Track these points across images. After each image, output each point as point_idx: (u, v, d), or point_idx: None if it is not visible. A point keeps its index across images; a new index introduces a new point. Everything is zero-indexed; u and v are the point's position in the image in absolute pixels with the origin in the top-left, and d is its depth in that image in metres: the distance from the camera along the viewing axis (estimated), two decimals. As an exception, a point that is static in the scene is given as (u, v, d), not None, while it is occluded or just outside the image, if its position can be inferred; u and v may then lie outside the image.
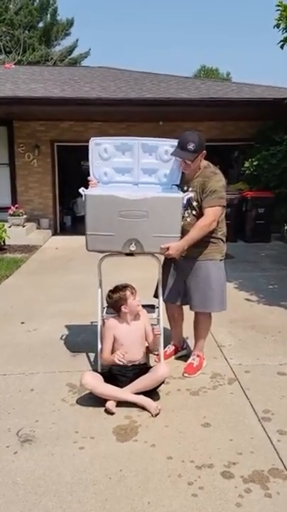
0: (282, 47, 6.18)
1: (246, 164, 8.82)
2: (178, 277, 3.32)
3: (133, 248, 3.08)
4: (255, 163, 8.62)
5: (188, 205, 3.14)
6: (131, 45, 54.19)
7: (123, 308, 3.02)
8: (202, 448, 2.44)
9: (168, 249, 3.03)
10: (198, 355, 3.37)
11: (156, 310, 3.43)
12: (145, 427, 2.63)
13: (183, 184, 3.26)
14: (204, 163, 3.18)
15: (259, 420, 2.70)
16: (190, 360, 3.37)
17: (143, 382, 2.87)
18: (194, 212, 3.15)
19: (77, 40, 26.61)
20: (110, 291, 3.09)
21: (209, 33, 57.20)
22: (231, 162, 10.69)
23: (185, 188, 3.19)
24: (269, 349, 3.74)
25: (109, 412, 2.75)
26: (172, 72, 12.34)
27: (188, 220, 3.15)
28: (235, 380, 3.19)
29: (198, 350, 3.39)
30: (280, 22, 6.06)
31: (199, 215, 3.12)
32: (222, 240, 3.24)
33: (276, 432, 2.57)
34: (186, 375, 3.25)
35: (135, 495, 2.11)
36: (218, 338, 3.94)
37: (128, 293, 3.01)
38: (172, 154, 3.18)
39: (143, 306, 3.24)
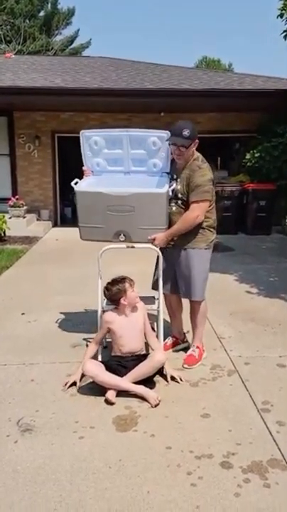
0: (285, 37, 6.13)
1: (248, 156, 8.77)
2: (168, 266, 3.37)
3: (122, 239, 3.27)
4: (256, 155, 8.58)
5: (174, 195, 3.22)
6: (133, 35, 53.81)
7: (122, 301, 3.02)
8: (201, 438, 2.45)
9: (154, 239, 3.21)
10: (198, 347, 3.38)
11: (156, 301, 3.45)
12: (144, 418, 2.64)
13: (173, 172, 3.32)
14: (195, 154, 3.22)
15: (258, 411, 2.71)
16: (189, 352, 3.38)
17: (141, 369, 2.88)
18: (179, 202, 3.23)
19: (78, 30, 26.49)
20: (108, 283, 3.09)
21: (211, 23, 56.73)
22: (233, 154, 10.64)
23: (175, 177, 3.26)
24: (269, 341, 3.74)
25: (109, 402, 2.76)
26: (174, 62, 12.23)
27: (173, 209, 3.25)
28: (235, 372, 3.20)
29: (197, 341, 3.41)
30: (283, 12, 6.01)
31: (184, 205, 3.21)
32: (209, 230, 3.28)
33: (275, 423, 2.58)
34: (185, 366, 3.26)
35: (134, 484, 2.12)
36: (218, 329, 3.94)
37: (127, 285, 3.01)
38: (167, 140, 3.21)
39: (143, 298, 3.25)
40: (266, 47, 55.52)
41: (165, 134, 3.25)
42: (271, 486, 2.11)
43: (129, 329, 3.02)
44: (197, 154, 3.23)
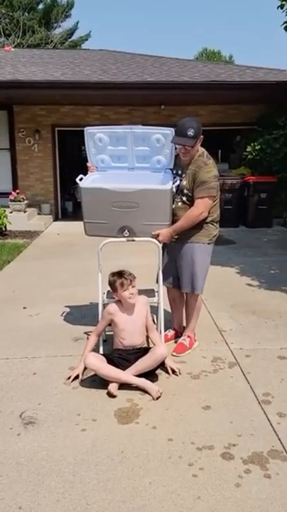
0: (286, 28, 6.09)
1: (249, 149, 8.74)
2: (171, 260, 3.41)
3: (126, 234, 3.29)
4: (257, 148, 8.54)
5: (180, 190, 3.24)
6: (132, 27, 53.42)
7: (114, 295, 3.05)
8: (202, 430, 2.47)
9: (158, 235, 3.23)
10: (189, 336, 3.45)
11: (156, 294, 3.47)
12: (146, 410, 2.66)
13: (178, 168, 3.33)
14: (200, 150, 3.23)
15: (259, 403, 2.73)
16: (180, 340, 3.45)
17: (144, 363, 2.90)
18: (184, 198, 3.25)
19: (77, 23, 26.27)
20: (112, 272, 3.11)
21: (210, 16, 56.19)
22: (234, 146, 10.60)
23: (180, 172, 3.28)
24: (270, 333, 3.76)
25: (111, 394, 2.78)
26: (174, 54, 12.18)
27: (179, 204, 3.27)
28: (236, 364, 3.22)
29: (189, 332, 3.47)
30: (284, 3, 5.96)
31: (190, 201, 3.22)
32: (213, 225, 3.31)
33: (276, 415, 2.60)
34: (174, 353, 3.32)
35: (136, 475, 2.14)
36: (219, 322, 3.96)
37: (117, 284, 3.00)
38: (172, 141, 3.22)
39: (144, 291, 3.26)
40: (267, 39, 55.02)
41: (169, 131, 3.27)
42: (271, 477, 2.13)
43: (131, 322, 3.03)
44: (202, 150, 3.24)
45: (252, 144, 8.68)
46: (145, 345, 3.15)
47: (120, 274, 3.05)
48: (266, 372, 3.10)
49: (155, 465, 2.21)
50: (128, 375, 2.86)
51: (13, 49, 12.59)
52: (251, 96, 8.91)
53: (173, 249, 3.35)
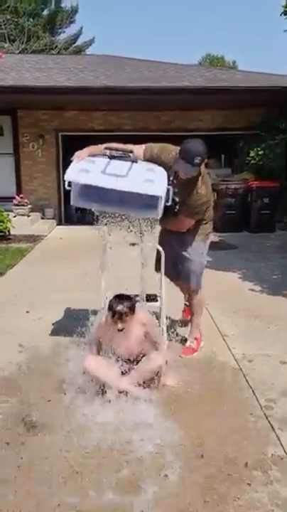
0: (289, 34, 6.10)
1: (251, 154, 8.74)
2: (169, 250, 3.37)
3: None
4: (260, 153, 8.55)
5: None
6: (134, 29, 53.78)
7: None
8: (204, 436, 2.46)
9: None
10: (196, 339, 3.49)
11: (159, 299, 3.46)
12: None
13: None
14: (200, 170, 3.06)
15: (262, 408, 2.72)
16: (188, 343, 3.51)
17: (140, 373, 2.78)
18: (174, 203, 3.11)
19: (81, 28, 26.47)
20: (115, 295, 2.87)
21: (212, 17, 56.47)
22: (236, 151, 10.60)
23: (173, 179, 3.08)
24: (272, 339, 3.75)
25: (108, 400, 2.76)
26: (177, 60, 12.26)
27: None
28: (238, 370, 3.21)
29: (195, 332, 3.52)
30: (287, 9, 5.98)
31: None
32: (206, 224, 3.34)
33: (278, 421, 2.59)
34: (183, 355, 3.36)
35: (138, 479, 2.13)
36: (221, 327, 3.95)
37: (110, 313, 2.77)
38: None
39: (147, 297, 3.25)
40: (268, 41, 55.28)
41: (161, 192, 2.87)
42: (273, 483, 2.12)
43: (122, 339, 2.83)
44: (201, 169, 3.04)
45: (255, 149, 8.69)
46: (140, 358, 2.91)
47: (117, 303, 2.75)
48: (269, 378, 3.09)
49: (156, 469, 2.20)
50: (126, 384, 2.77)
51: (4, 56, 12.41)
52: (254, 101, 8.94)
53: (171, 240, 3.39)
